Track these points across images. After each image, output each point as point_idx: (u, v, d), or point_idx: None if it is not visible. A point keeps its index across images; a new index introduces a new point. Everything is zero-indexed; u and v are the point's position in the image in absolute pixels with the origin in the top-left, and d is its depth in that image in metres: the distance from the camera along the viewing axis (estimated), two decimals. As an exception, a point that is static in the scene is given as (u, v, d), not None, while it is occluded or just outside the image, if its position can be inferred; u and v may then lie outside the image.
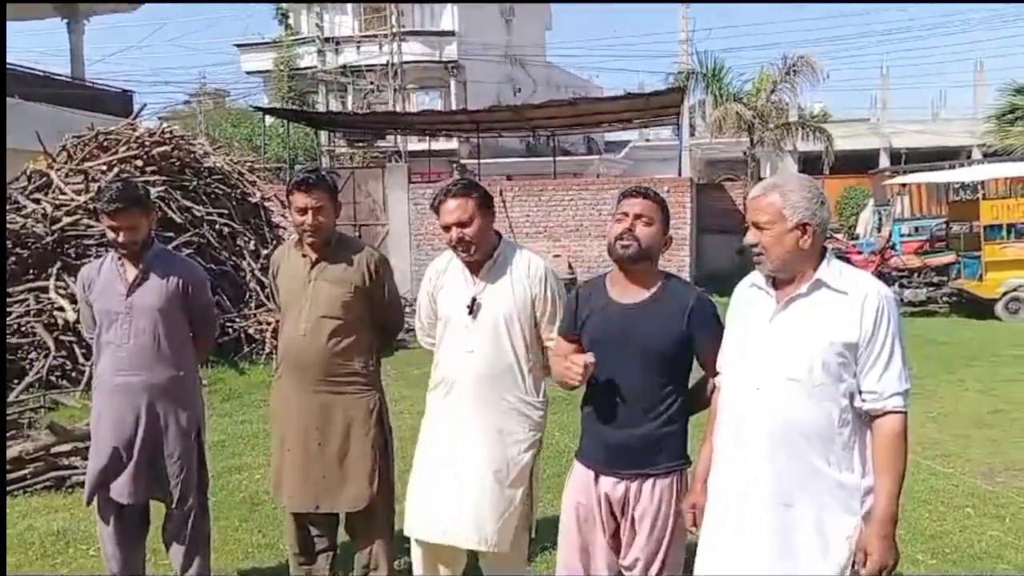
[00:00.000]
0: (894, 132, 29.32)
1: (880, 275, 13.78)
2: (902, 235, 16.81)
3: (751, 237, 2.41)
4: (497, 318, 3.13)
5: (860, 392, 2.32)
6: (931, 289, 13.90)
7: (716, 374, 2.64)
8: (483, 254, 3.17)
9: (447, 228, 3.12)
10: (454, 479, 3.13)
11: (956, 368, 9.12)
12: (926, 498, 5.03)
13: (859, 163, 26.12)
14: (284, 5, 32.13)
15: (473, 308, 3.13)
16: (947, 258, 14.22)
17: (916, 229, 17.51)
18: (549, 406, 3.29)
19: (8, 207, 9.04)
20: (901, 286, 13.81)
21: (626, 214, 2.77)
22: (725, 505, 2.45)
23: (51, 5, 21.10)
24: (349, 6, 31.44)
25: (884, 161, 28.21)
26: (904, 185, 18.28)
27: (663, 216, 2.81)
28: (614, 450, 2.77)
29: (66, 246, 8.87)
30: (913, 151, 26.87)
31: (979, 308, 13.13)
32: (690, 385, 2.84)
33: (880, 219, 19.62)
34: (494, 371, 3.12)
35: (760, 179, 19.43)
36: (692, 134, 27.56)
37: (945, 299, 13.84)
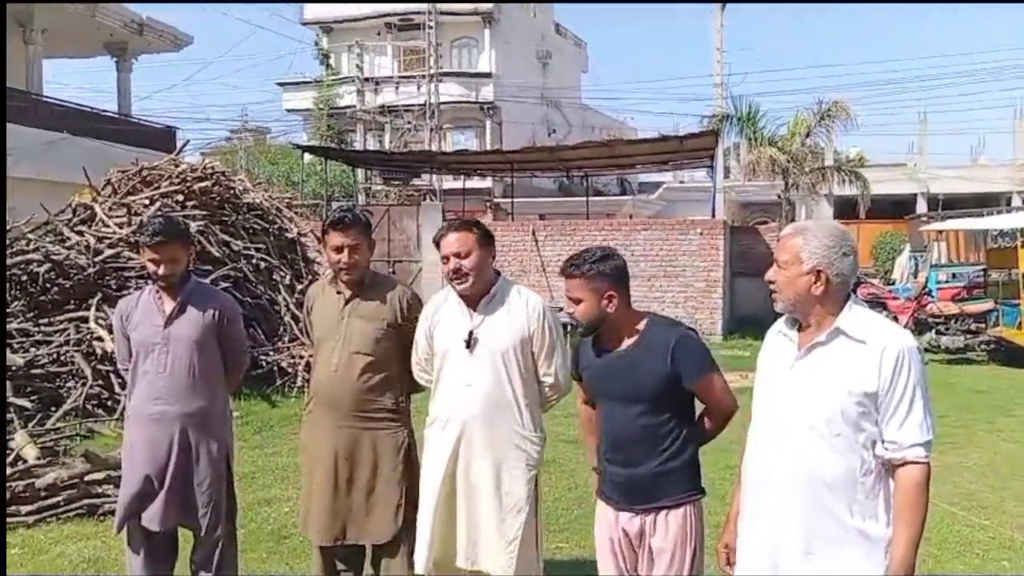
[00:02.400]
0: (932, 177, 29.05)
1: (916, 322, 13.59)
2: (939, 282, 16.58)
3: (770, 273, 2.46)
4: (494, 352, 3.18)
5: (883, 441, 2.31)
6: (969, 336, 13.63)
7: (718, 406, 2.84)
8: (480, 288, 3.23)
9: (446, 259, 3.20)
10: (455, 512, 3.19)
11: (994, 417, 8.94)
12: (961, 550, 4.92)
13: (896, 208, 25.88)
14: (325, 46, 32.82)
15: (470, 342, 3.18)
16: (985, 305, 13.98)
17: (953, 276, 17.27)
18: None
19: (53, 239, 9.28)
20: (938, 333, 13.58)
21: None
22: (753, 550, 2.46)
23: (102, 43, 21.79)
24: (388, 47, 32.06)
25: (921, 206, 27.93)
26: (941, 231, 18.08)
27: (593, 285, 2.82)
28: (625, 487, 2.86)
29: (107, 277, 9.06)
30: (951, 196, 26.59)
31: (1018, 356, 12.84)
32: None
33: (916, 265, 19.39)
34: (492, 405, 3.18)
35: (794, 222, 19.32)
36: (726, 176, 27.55)
37: (983, 347, 13.57)
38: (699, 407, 2.93)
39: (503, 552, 3.18)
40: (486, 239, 3.25)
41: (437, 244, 3.25)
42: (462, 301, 3.26)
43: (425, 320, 3.37)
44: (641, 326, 2.87)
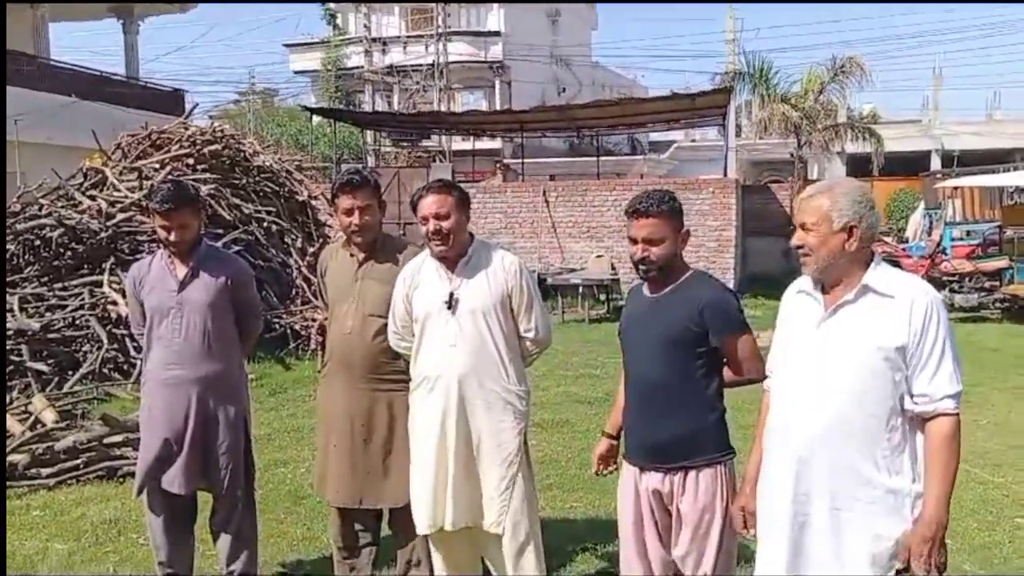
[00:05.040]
0: (946, 134, 28.70)
1: (930, 280, 13.50)
2: (953, 239, 16.46)
3: (797, 238, 2.43)
4: (476, 311, 3.22)
5: (912, 395, 2.30)
6: (983, 295, 13.57)
7: (742, 371, 2.79)
8: (457, 250, 3.28)
9: (425, 220, 3.22)
10: (446, 472, 3.23)
11: (1008, 376, 8.92)
12: (975, 508, 4.93)
13: (910, 165, 25.61)
14: (332, 6, 32.49)
15: (451, 303, 3.22)
16: (1000, 263, 13.89)
17: (968, 233, 17.12)
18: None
19: (64, 203, 9.30)
20: (952, 291, 13.51)
21: (635, 240, 2.84)
22: (776, 510, 2.45)
23: (107, 6, 21.65)
24: (396, 7, 31.71)
25: (936, 163, 27.62)
26: (956, 188, 17.90)
27: (672, 224, 2.83)
28: (652, 446, 2.84)
29: (120, 242, 9.09)
30: (966, 153, 26.27)
31: (1032, 315, 12.81)
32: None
33: (931, 223, 19.23)
34: (477, 363, 3.21)
35: (807, 180, 19.15)
36: (738, 134, 27.27)
37: (997, 305, 13.52)
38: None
39: (495, 503, 3.23)
40: (463, 201, 3.30)
41: (414, 206, 3.28)
42: (440, 264, 3.29)
43: (403, 285, 3.38)
44: (685, 275, 2.88)
